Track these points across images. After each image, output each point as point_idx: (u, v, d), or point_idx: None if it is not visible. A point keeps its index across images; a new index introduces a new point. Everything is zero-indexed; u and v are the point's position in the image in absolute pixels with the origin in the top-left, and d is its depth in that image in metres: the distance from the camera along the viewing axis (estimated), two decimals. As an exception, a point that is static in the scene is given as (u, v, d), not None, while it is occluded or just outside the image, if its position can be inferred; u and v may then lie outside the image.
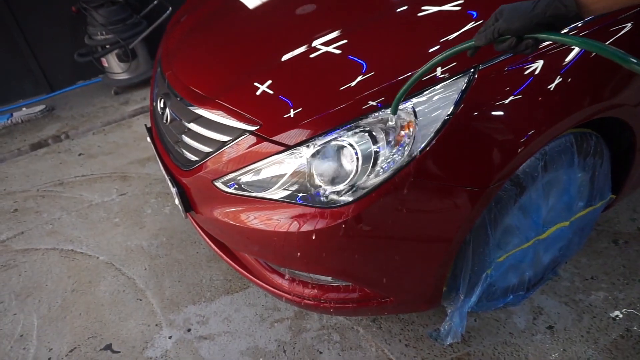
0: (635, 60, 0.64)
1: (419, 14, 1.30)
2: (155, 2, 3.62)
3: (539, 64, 1.12)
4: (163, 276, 1.94)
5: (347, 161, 1.11)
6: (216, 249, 1.58)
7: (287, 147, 1.15)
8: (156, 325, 1.73)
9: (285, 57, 1.35)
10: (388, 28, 1.32)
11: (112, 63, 3.57)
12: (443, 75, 1.10)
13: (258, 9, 1.73)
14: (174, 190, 1.48)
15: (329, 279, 1.31)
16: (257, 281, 1.47)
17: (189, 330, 1.69)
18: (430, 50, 1.16)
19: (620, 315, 1.56)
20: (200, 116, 1.37)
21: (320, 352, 1.56)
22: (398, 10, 1.35)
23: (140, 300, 1.84)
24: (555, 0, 0.72)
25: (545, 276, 1.65)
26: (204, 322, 1.72)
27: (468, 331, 1.56)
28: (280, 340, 1.61)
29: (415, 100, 1.09)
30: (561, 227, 1.48)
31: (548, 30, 0.74)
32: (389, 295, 1.30)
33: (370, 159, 1.08)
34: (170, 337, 1.68)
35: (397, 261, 1.21)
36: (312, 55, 1.32)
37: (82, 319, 1.79)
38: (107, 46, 3.44)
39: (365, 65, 1.21)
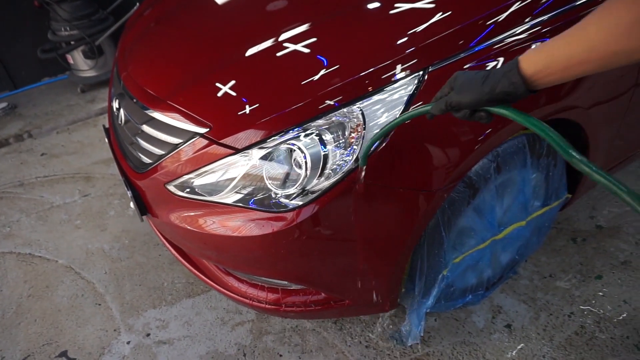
0: (576, 155, 0.63)
1: (384, 10, 1.29)
2: (123, -3, 3.53)
3: (492, 64, 1.12)
4: (124, 280, 1.90)
5: (297, 164, 1.10)
6: (175, 252, 1.55)
7: (236, 150, 1.13)
8: (114, 330, 1.69)
9: (245, 54, 1.32)
10: (352, 24, 1.30)
11: (78, 60, 3.48)
12: (395, 77, 1.09)
13: (220, 4, 1.69)
14: (129, 193, 1.45)
15: (285, 282, 1.30)
16: (216, 286, 1.45)
17: (148, 335, 1.66)
18: (397, 41, 1.14)
19: (576, 312, 1.59)
20: (153, 118, 1.34)
21: (281, 355, 1.54)
22: (363, 6, 1.34)
23: (99, 304, 1.80)
24: (503, 78, 0.71)
25: (504, 275, 1.67)
26: (164, 326, 1.69)
27: (428, 331, 1.57)
28: (241, 344, 1.59)
29: (364, 102, 1.08)
30: (518, 227, 1.49)
31: (500, 104, 0.74)
32: (345, 298, 1.30)
33: (319, 163, 1.07)
34: (128, 343, 1.64)
35: (351, 264, 1.21)
36: (274, 52, 1.29)
37: (37, 325, 1.74)
38: (72, 42, 3.35)
39: (325, 62, 1.19)
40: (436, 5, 1.21)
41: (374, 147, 1.05)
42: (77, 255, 2.05)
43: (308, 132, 1.09)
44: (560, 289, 1.67)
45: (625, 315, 1.56)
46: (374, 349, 1.53)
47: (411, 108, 1.07)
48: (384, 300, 1.33)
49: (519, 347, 1.51)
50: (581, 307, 1.61)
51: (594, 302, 1.62)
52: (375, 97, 1.09)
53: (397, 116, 0.94)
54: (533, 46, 0.73)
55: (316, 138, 1.08)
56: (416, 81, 1.08)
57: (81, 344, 1.65)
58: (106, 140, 1.76)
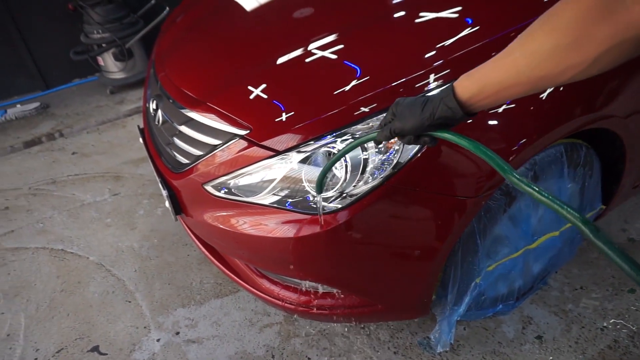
0: (516, 175, 0.64)
1: (415, 20, 1.30)
2: (153, 1, 3.61)
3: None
4: (153, 278, 1.93)
5: (337, 168, 1.11)
6: (206, 252, 1.57)
7: (277, 152, 1.15)
8: (144, 327, 1.72)
9: (279, 61, 1.35)
10: (383, 33, 1.32)
11: (108, 62, 3.56)
12: (426, 88, 1.09)
13: (253, 10, 1.73)
14: (164, 192, 1.48)
15: (318, 285, 1.31)
16: (247, 286, 1.46)
17: (178, 333, 1.69)
18: (426, 55, 1.15)
19: (609, 326, 1.56)
20: (191, 119, 1.37)
21: (309, 358, 1.55)
22: (394, 15, 1.35)
23: (129, 302, 1.83)
24: (441, 104, 0.72)
25: (535, 286, 1.65)
26: (193, 325, 1.71)
27: (457, 340, 1.56)
28: (269, 346, 1.60)
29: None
30: (551, 237, 1.48)
31: (443, 128, 0.76)
32: (378, 303, 1.30)
33: (359, 166, 1.08)
34: (158, 340, 1.66)
35: (385, 269, 1.21)
36: (306, 60, 1.31)
37: (70, 319, 1.78)
38: (103, 45, 3.43)
39: (359, 71, 1.21)
40: (467, 18, 1.20)
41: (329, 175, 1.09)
42: (107, 252, 2.09)
43: (346, 137, 1.10)
44: (592, 301, 1.65)
45: (660, 330, 1.53)
46: (403, 355, 1.53)
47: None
48: (416, 306, 1.33)
49: (550, 359, 1.48)
50: (614, 320, 1.58)
51: (627, 316, 1.59)
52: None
53: (345, 145, 0.99)
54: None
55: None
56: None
57: (112, 340, 1.69)
58: (140, 140, 1.79)
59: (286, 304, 1.37)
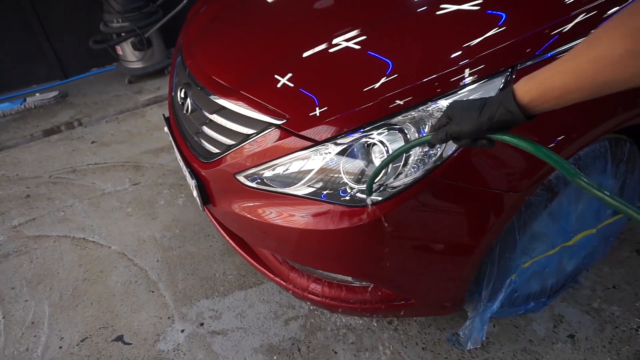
0: (583, 178, 0.64)
1: (442, 12, 1.26)
2: (172, -9, 3.59)
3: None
4: (176, 269, 1.92)
5: (377, 159, 1.08)
6: (232, 243, 1.56)
7: (315, 143, 1.12)
8: (168, 318, 1.71)
9: (307, 53, 1.31)
10: (411, 27, 1.28)
11: (127, 51, 3.55)
12: (472, 78, 1.06)
13: (279, 2, 1.69)
14: (192, 182, 1.46)
15: (349, 278, 1.28)
16: (274, 278, 1.44)
17: (202, 324, 1.67)
18: (459, 49, 1.11)
19: (644, 327, 1.52)
20: (223, 107, 1.34)
21: (336, 352, 1.53)
22: (420, 9, 1.31)
23: (153, 292, 1.82)
24: (500, 107, 0.72)
25: (566, 284, 1.61)
26: (217, 317, 1.70)
27: (487, 337, 1.53)
28: (295, 339, 1.59)
29: (450, 99, 1.05)
30: (588, 235, 1.44)
31: (502, 131, 0.75)
32: (412, 298, 1.27)
33: (401, 159, 1.05)
34: (182, 331, 1.65)
35: (422, 263, 1.18)
36: (335, 51, 1.28)
37: (93, 308, 1.78)
38: (123, 34, 3.42)
39: (390, 64, 1.17)
40: (501, 12, 1.16)
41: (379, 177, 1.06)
42: (129, 242, 2.08)
43: (386, 128, 1.07)
44: (626, 301, 1.61)
45: (697, 332, 1.49)
46: (431, 351, 1.50)
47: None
48: (450, 302, 1.31)
49: (584, 359, 1.45)
50: (648, 321, 1.54)
51: (662, 317, 1.55)
52: (458, 96, 1.06)
53: (398, 147, 0.97)
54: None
55: (398, 133, 1.06)
56: (503, 79, 1.05)
57: (136, 330, 1.68)
58: (166, 129, 1.77)
59: (315, 297, 1.35)
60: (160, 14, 3.57)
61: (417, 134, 1.06)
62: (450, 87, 1.06)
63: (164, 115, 1.86)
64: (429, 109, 1.06)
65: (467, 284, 1.28)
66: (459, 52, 1.10)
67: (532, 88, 0.69)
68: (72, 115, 3.25)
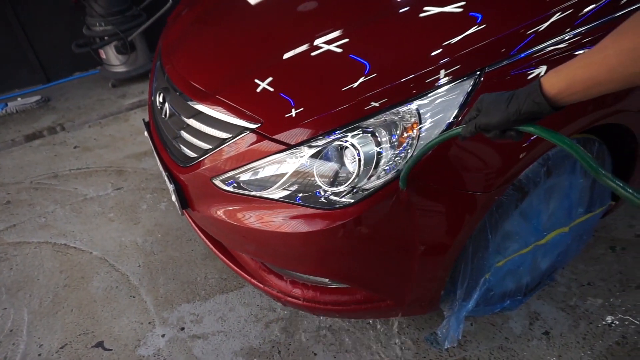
0: (605, 173, 0.65)
1: (422, 14, 1.28)
2: (155, -6, 3.58)
3: (543, 68, 1.10)
4: (157, 273, 1.92)
5: (349, 162, 1.10)
6: (212, 247, 1.56)
7: (289, 146, 1.13)
8: (149, 323, 1.71)
9: (287, 55, 1.33)
10: (391, 28, 1.30)
11: (110, 55, 3.53)
12: (447, 78, 1.08)
13: (259, 4, 1.71)
14: (171, 187, 1.46)
15: (327, 280, 1.30)
16: (253, 281, 1.45)
17: (183, 329, 1.67)
18: (433, 52, 1.13)
19: (617, 322, 1.56)
20: (200, 112, 1.35)
21: (315, 354, 1.54)
22: (401, 10, 1.33)
23: (134, 297, 1.82)
24: (527, 99, 0.73)
25: (542, 282, 1.64)
26: (198, 321, 1.70)
27: (464, 335, 1.55)
28: (275, 341, 1.59)
29: (419, 102, 1.07)
30: (560, 233, 1.47)
31: (529, 123, 0.76)
32: (387, 299, 1.29)
33: (372, 161, 1.07)
34: (163, 336, 1.65)
35: (397, 264, 1.20)
36: (314, 54, 1.30)
37: (73, 315, 1.77)
38: (106, 38, 3.40)
39: (368, 66, 1.19)
40: (477, 14, 1.19)
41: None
42: (111, 247, 2.08)
43: (360, 130, 1.09)
44: (600, 297, 1.64)
45: (668, 327, 1.52)
46: (409, 350, 1.52)
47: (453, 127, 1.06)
48: (426, 302, 1.33)
49: (558, 355, 1.48)
50: (621, 316, 1.57)
51: (634, 312, 1.58)
52: (429, 99, 1.08)
53: (430, 140, 0.98)
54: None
55: (369, 136, 1.08)
56: (472, 81, 1.07)
57: (117, 335, 1.67)
58: (146, 134, 1.78)
59: (293, 300, 1.36)
60: (143, 17, 3.56)
61: (387, 137, 1.08)
62: (424, 88, 1.08)
63: (144, 119, 1.86)
64: (401, 111, 1.08)
65: (442, 284, 1.30)
66: (436, 53, 1.13)
67: (559, 81, 0.70)
68: (55, 120, 3.23)
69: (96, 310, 1.78)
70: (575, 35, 1.10)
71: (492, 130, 0.81)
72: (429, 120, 1.06)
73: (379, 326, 1.60)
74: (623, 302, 1.62)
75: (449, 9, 1.24)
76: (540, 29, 1.11)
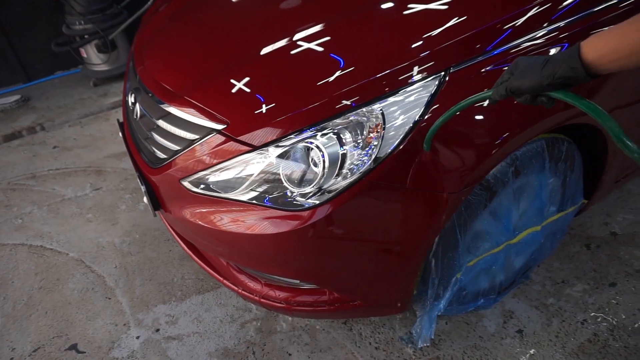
0: (630, 144, 0.65)
1: (400, 11, 1.28)
2: (137, -8, 3.54)
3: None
4: (134, 274, 1.90)
5: (315, 163, 1.09)
6: (186, 248, 1.55)
7: (254, 148, 1.13)
8: (124, 324, 1.70)
9: (261, 52, 1.32)
10: (367, 24, 1.29)
11: (91, 54, 3.49)
12: (413, 79, 1.08)
13: (235, 2, 1.69)
14: (142, 188, 1.45)
15: (297, 281, 1.29)
16: (227, 283, 1.45)
17: (158, 330, 1.66)
18: (410, 47, 1.13)
19: (589, 320, 1.57)
20: (169, 113, 1.34)
21: (290, 354, 1.54)
22: (380, 7, 1.33)
23: (109, 298, 1.80)
24: (564, 63, 0.71)
25: (517, 280, 1.65)
26: (174, 322, 1.69)
27: (439, 334, 1.56)
28: (250, 342, 1.59)
29: (383, 102, 1.07)
30: (533, 232, 1.48)
31: (562, 89, 0.74)
32: (357, 299, 1.29)
33: (337, 162, 1.06)
34: (137, 337, 1.64)
35: (364, 265, 1.20)
36: (288, 51, 1.29)
37: (47, 317, 1.75)
38: (86, 36, 3.36)
39: (342, 62, 1.18)
40: (453, 9, 1.19)
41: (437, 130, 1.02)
42: (88, 248, 2.06)
43: (326, 131, 1.09)
44: (573, 295, 1.66)
45: (639, 323, 1.54)
46: (384, 350, 1.52)
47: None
48: (396, 302, 1.33)
49: (531, 352, 1.49)
50: (594, 314, 1.59)
51: (607, 309, 1.60)
52: (395, 98, 1.08)
53: (459, 102, 0.94)
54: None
55: (334, 137, 1.07)
56: (437, 82, 1.07)
57: (91, 338, 1.66)
58: (120, 134, 1.76)
59: (265, 300, 1.36)
60: (125, 15, 3.52)
61: (353, 137, 1.07)
62: (398, 85, 1.08)
63: (118, 120, 1.84)
64: (366, 111, 1.08)
65: (412, 284, 1.30)
66: (410, 49, 1.13)
67: (600, 46, 0.68)
68: (35, 120, 3.19)
69: (71, 312, 1.76)
70: (552, 31, 1.11)
71: (523, 94, 0.79)
72: (395, 120, 1.06)
73: (354, 326, 1.60)
74: (596, 300, 1.63)
75: (422, 5, 1.24)
76: (517, 24, 1.12)
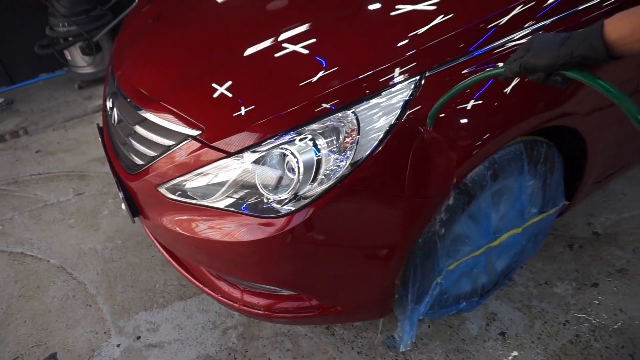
0: None
1: (381, 13, 1.28)
2: (122, -7, 3.50)
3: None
4: (116, 281, 1.88)
5: (290, 169, 1.08)
6: (165, 254, 1.54)
7: (229, 154, 1.11)
8: (105, 332, 1.67)
9: (242, 54, 1.31)
10: (350, 26, 1.28)
11: (76, 56, 3.45)
12: (390, 82, 1.07)
13: (219, 2, 1.67)
14: (120, 194, 1.43)
15: (276, 288, 1.28)
16: (206, 290, 1.43)
17: (139, 337, 1.64)
18: (390, 49, 1.13)
19: (571, 321, 1.57)
20: (146, 119, 1.32)
21: (272, 360, 1.53)
22: (361, 8, 1.32)
23: (90, 306, 1.78)
24: (584, 41, 0.69)
25: (499, 282, 1.65)
26: (155, 329, 1.67)
27: (421, 338, 1.55)
28: (232, 349, 1.57)
29: (359, 107, 1.06)
30: (514, 234, 1.48)
31: (577, 69, 0.72)
32: (337, 305, 1.28)
33: (312, 168, 1.05)
34: (118, 346, 1.62)
35: (343, 271, 1.19)
36: (268, 54, 1.27)
37: (27, 326, 1.72)
38: (70, 38, 3.32)
39: (323, 65, 1.17)
40: (435, 9, 1.19)
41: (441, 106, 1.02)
42: (69, 255, 2.03)
43: (302, 136, 1.08)
44: (556, 296, 1.66)
45: (620, 324, 1.54)
46: (366, 355, 1.52)
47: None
48: (376, 307, 1.32)
49: (513, 355, 1.49)
50: (576, 315, 1.59)
51: (589, 310, 1.60)
52: (371, 102, 1.07)
53: (469, 78, 0.92)
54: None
55: (310, 143, 1.06)
56: (412, 86, 1.07)
57: (71, 346, 1.63)
58: (100, 139, 1.73)
59: (245, 308, 1.34)
60: (109, 17, 3.48)
61: (328, 143, 1.06)
62: (378, 87, 1.07)
63: (98, 125, 1.82)
64: (341, 116, 1.07)
65: (391, 289, 1.29)
66: (391, 52, 1.12)
67: (624, 25, 0.66)
68: (18, 124, 3.15)
69: (50, 320, 1.74)
70: (537, 30, 1.11)
71: (537, 72, 0.76)
72: (371, 124, 1.05)
73: (337, 331, 1.59)
74: (578, 301, 1.63)
75: (405, 6, 1.23)
76: (501, 23, 1.12)
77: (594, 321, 1.56)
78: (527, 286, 1.70)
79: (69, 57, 3.48)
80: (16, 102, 3.43)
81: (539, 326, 1.56)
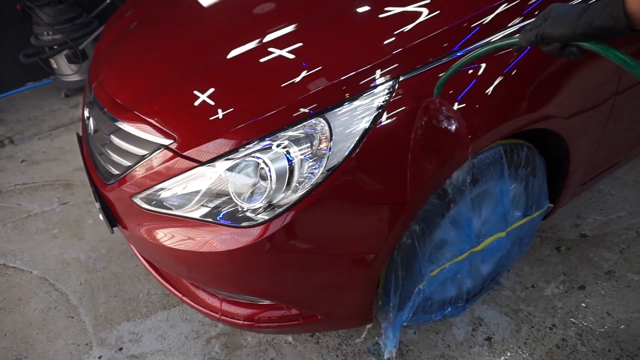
0: None
1: (363, 15, 1.26)
2: (108, 0, 3.48)
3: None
4: (99, 291, 1.85)
5: (263, 177, 1.06)
6: (146, 264, 1.51)
7: (200, 163, 1.09)
8: (86, 344, 1.65)
9: (220, 59, 1.29)
10: (330, 29, 1.27)
11: (62, 64, 3.42)
12: (372, 84, 1.06)
13: (201, 6, 1.65)
14: (97, 204, 1.41)
15: (254, 298, 1.26)
16: (187, 301, 1.41)
17: (121, 349, 1.62)
18: (371, 51, 1.12)
19: (558, 324, 1.55)
20: (120, 128, 1.30)
21: (255, 371, 1.50)
22: (342, 11, 1.30)
23: (72, 317, 1.75)
24: (603, 11, 0.68)
25: (486, 286, 1.63)
26: (137, 340, 1.64)
27: (407, 344, 1.53)
28: (215, 358, 1.55)
29: (331, 113, 1.04)
30: (498, 239, 1.46)
31: (595, 40, 0.71)
32: (317, 314, 1.26)
33: (285, 176, 1.03)
34: (100, 358, 1.59)
35: (320, 279, 1.17)
36: (247, 57, 1.25)
37: (7, 340, 1.69)
38: (55, 47, 3.29)
39: (302, 68, 1.15)
40: (419, 9, 1.18)
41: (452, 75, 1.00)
42: (52, 265, 2.00)
43: (275, 143, 1.06)
44: (543, 300, 1.64)
45: (607, 327, 1.53)
46: (351, 363, 1.50)
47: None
48: (357, 315, 1.30)
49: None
50: (563, 318, 1.57)
51: (576, 313, 1.59)
52: (344, 107, 1.05)
53: (482, 47, 0.89)
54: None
55: (282, 150, 1.04)
56: (386, 91, 1.05)
57: (51, 359, 1.61)
58: (79, 149, 1.71)
59: (227, 318, 1.32)
60: (95, 25, 3.46)
61: (301, 150, 1.04)
62: (357, 90, 1.06)
63: (77, 134, 1.79)
64: (313, 123, 1.05)
65: (371, 296, 1.27)
66: (372, 54, 1.11)
67: None
68: (3, 133, 3.11)
69: (31, 333, 1.71)
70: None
71: (553, 42, 0.74)
72: (345, 130, 1.04)
73: (322, 338, 1.57)
74: (565, 304, 1.62)
75: (390, 8, 1.22)
76: (485, 22, 1.11)
77: (581, 325, 1.55)
78: (514, 290, 1.69)
79: (54, 66, 3.45)
80: (2, 112, 3.40)
81: (526, 331, 1.55)
